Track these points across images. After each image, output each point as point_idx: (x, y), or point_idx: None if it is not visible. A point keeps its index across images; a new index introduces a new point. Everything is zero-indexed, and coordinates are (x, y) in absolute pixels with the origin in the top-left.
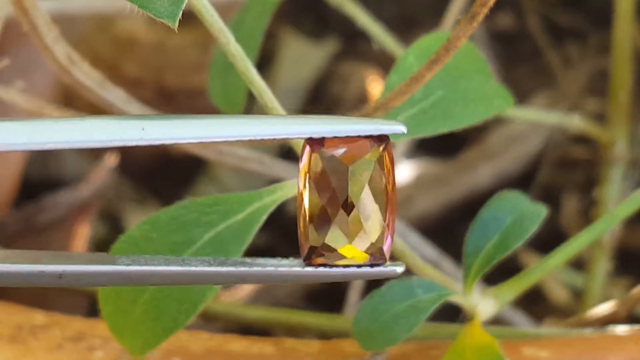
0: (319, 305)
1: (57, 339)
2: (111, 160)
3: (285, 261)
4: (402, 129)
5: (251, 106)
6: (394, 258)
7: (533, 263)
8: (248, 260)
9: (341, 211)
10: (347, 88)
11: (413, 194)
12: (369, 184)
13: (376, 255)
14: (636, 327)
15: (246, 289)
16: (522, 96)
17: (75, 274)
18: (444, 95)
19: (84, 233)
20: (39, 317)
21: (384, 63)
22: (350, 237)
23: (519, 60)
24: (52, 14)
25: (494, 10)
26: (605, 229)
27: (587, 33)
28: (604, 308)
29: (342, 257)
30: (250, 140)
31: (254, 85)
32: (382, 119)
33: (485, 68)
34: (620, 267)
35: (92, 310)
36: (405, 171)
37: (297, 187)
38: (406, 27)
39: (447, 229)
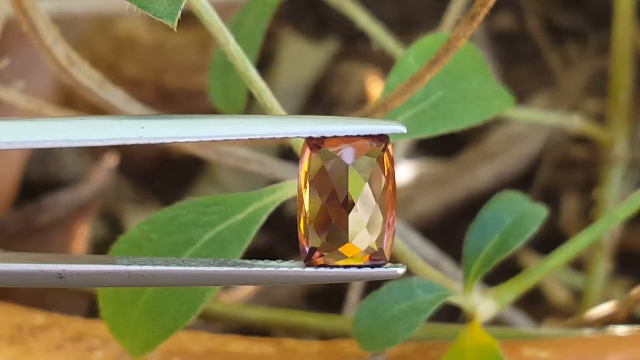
0: (318, 305)
1: (57, 339)
2: (111, 161)
3: (285, 263)
4: (401, 129)
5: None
6: (394, 258)
7: (533, 263)
8: (248, 262)
9: (341, 211)
10: (347, 88)
11: (413, 194)
12: (369, 184)
13: (376, 255)
14: (636, 327)
15: (246, 290)
16: (522, 96)
17: (75, 274)
18: (443, 95)
19: (83, 233)
20: (38, 317)
21: (384, 63)
22: (351, 236)
23: (519, 60)
24: (52, 14)
25: (493, 10)
26: (605, 229)
27: (587, 33)
28: (604, 308)
29: (343, 256)
30: (249, 140)
31: (254, 86)
32: (381, 119)
33: (485, 68)
34: (620, 268)
35: (91, 310)
36: (405, 171)
37: (297, 187)
38: (406, 28)
39: (447, 229)
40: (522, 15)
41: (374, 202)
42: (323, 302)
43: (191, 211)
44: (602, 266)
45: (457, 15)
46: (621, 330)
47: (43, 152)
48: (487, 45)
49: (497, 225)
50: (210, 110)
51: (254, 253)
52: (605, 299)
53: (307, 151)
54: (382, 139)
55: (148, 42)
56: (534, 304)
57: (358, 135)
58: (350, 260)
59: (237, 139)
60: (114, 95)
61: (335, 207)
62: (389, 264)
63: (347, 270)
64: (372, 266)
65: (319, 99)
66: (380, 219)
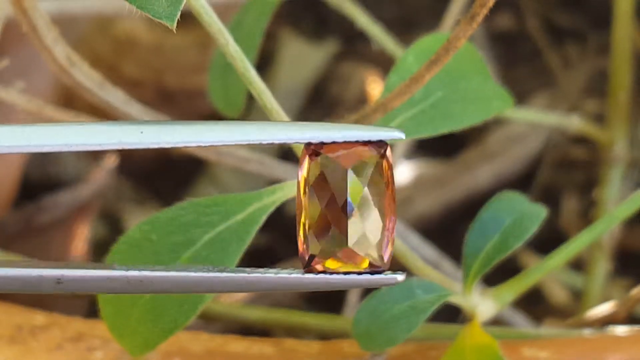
0: (318, 306)
1: (56, 339)
2: (111, 161)
3: (284, 270)
4: (400, 135)
5: (251, 107)
6: (394, 258)
7: (533, 264)
8: (247, 269)
9: (340, 217)
10: (347, 89)
11: (413, 195)
12: (368, 190)
13: (376, 261)
14: (636, 327)
15: None
16: (521, 97)
17: (74, 279)
18: (443, 95)
19: (83, 233)
20: (38, 317)
21: (384, 64)
22: (350, 243)
23: (519, 60)
24: (52, 14)
25: (493, 10)
26: (605, 229)
27: (586, 34)
28: (604, 308)
29: (342, 263)
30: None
31: (254, 86)
32: (380, 125)
33: (485, 69)
34: (620, 268)
35: (91, 310)
36: (405, 172)
37: (297, 193)
38: (406, 28)
39: (447, 230)
40: (521, 16)
41: (373, 208)
42: (323, 302)
43: (191, 212)
44: (602, 266)
45: (457, 15)
46: (621, 330)
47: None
48: (486, 45)
49: (497, 225)
50: (210, 110)
51: (254, 253)
52: (605, 299)
53: (306, 157)
54: (381, 144)
55: (148, 42)
56: (534, 304)
57: (357, 141)
58: (350, 266)
59: (236, 144)
60: (114, 95)
61: (335, 213)
62: (388, 272)
63: (347, 276)
64: (371, 272)
65: (318, 99)
66: (380, 224)
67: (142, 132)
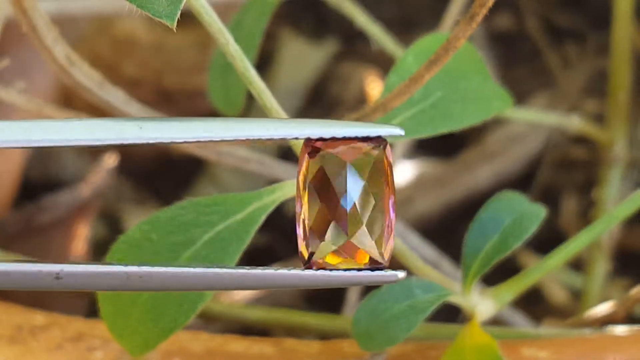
0: (318, 305)
1: (57, 339)
2: (111, 161)
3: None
4: (399, 131)
5: (251, 107)
6: (393, 258)
7: (532, 263)
8: (246, 267)
9: (340, 213)
10: (347, 88)
11: (413, 194)
12: (367, 186)
13: (376, 258)
14: (635, 327)
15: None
16: (521, 97)
17: (73, 275)
18: (443, 95)
19: (83, 233)
20: (38, 317)
21: (384, 64)
22: (349, 239)
23: (518, 60)
24: (52, 14)
25: (493, 10)
26: (604, 229)
27: (586, 34)
28: (603, 308)
29: (342, 259)
30: (248, 141)
31: (254, 86)
32: (379, 122)
33: (484, 69)
34: (619, 268)
35: (91, 310)
36: (405, 171)
37: (296, 189)
38: (405, 28)
39: (447, 229)
40: (521, 16)
41: (373, 205)
42: (323, 302)
43: (191, 211)
44: (601, 266)
45: (457, 15)
46: (620, 330)
47: (43, 152)
48: (486, 45)
49: (497, 225)
50: (210, 110)
51: (253, 253)
52: (604, 299)
53: (306, 154)
54: (380, 141)
55: (148, 42)
56: (533, 304)
57: (356, 138)
58: (350, 262)
59: (235, 140)
60: (114, 95)
61: (334, 210)
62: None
63: (347, 273)
64: (372, 269)
65: (318, 99)
66: (380, 221)
67: (140, 128)
